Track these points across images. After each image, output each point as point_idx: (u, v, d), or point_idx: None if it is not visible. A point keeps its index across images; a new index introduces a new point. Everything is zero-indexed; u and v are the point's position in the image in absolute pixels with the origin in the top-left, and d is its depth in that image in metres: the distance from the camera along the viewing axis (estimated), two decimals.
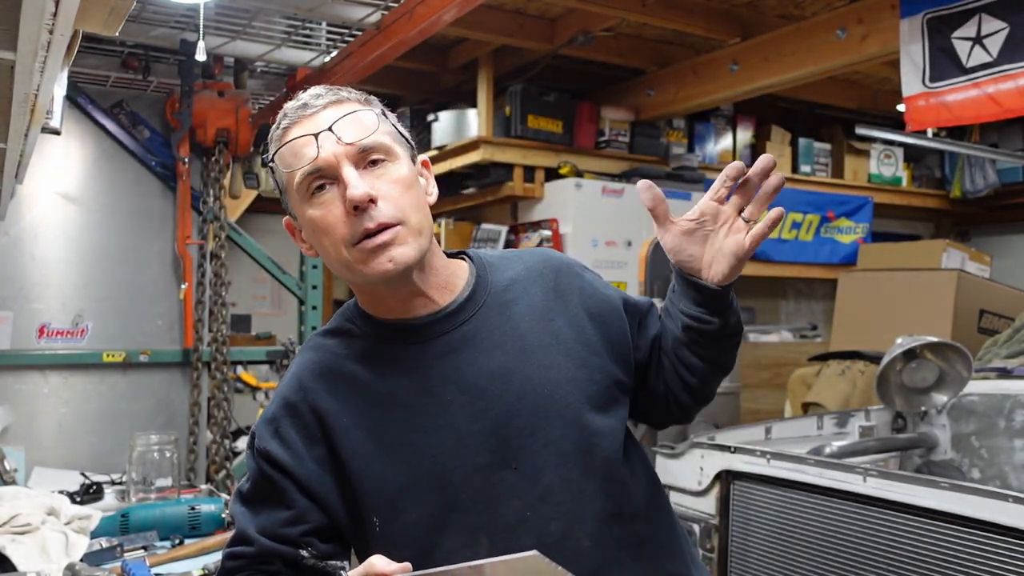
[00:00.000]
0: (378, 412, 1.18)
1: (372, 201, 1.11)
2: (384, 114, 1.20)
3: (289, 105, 1.18)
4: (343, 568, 1.12)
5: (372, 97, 1.22)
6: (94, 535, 1.97)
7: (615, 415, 1.23)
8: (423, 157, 1.26)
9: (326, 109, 1.15)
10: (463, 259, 1.29)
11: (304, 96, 1.18)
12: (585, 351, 1.22)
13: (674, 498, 2.46)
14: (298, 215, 1.18)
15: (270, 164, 1.19)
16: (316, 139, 1.11)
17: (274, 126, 1.19)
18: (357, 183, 1.10)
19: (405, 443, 1.16)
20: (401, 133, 1.21)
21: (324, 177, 1.12)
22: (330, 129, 1.11)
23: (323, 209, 1.13)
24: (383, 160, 1.14)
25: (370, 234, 1.11)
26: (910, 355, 2.69)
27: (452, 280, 1.23)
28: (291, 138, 1.14)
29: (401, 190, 1.14)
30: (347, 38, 2.93)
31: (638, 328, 1.30)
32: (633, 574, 1.20)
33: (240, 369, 4.40)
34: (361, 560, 1.19)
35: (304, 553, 1.16)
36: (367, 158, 1.13)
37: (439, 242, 1.30)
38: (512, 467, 1.15)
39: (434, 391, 1.17)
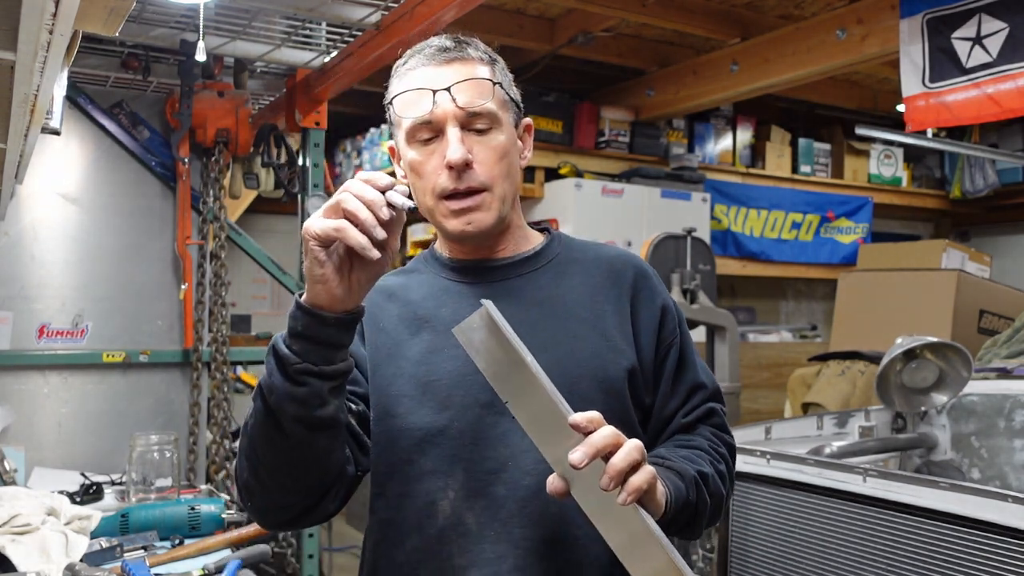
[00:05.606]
0: (411, 328, 1.28)
1: (467, 164, 1.20)
2: (498, 79, 1.27)
3: (418, 46, 1.27)
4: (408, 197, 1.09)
5: (496, 57, 1.30)
6: (94, 535, 1.97)
7: (623, 402, 1.25)
8: (527, 120, 1.34)
9: (452, 64, 1.23)
10: (545, 233, 1.39)
11: (434, 43, 1.26)
12: (621, 341, 1.27)
13: None
14: (401, 152, 1.28)
15: (387, 104, 1.27)
16: (434, 95, 1.20)
17: (399, 61, 1.27)
18: (457, 147, 1.19)
19: (422, 361, 1.25)
20: (512, 98, 1.29)
21: (431, 129, 1.22)
22: (448, 90, 1.19)
23: (423, 155, 1.23)
24: (488, 126, 1.23)
25: (458, 194, 1.21)
26: (910, 355, 2.69)
27: (522, 243, 1.33)
28: (412, 85, 1.22)
29: (496, 157, 1.23)
30: (347, 38, 2.93)
31: (672, 377, 1.31)
32: (597, 541, 1.17)
33: (240, 369, 4.40)
34: (375, 482, 1.27)
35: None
36: (474, 123, 1.22)
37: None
38: (509, 415, 1.17)
39: None
